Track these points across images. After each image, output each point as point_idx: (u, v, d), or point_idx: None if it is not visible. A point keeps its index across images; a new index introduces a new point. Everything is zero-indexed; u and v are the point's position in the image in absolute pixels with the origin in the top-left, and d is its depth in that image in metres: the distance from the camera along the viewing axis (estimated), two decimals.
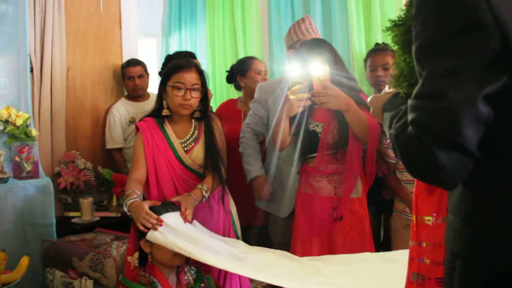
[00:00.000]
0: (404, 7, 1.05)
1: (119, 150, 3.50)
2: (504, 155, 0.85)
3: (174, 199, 2.01)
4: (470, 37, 0.78)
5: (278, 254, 1.99)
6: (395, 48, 1.08)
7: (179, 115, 2.17)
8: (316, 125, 2.21)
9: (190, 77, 2.11)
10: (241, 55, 3.73)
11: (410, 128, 0.88)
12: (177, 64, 2.18)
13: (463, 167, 0.84)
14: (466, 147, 0.81)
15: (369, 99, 1.32)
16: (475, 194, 0.89)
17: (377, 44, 2.75)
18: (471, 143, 0.81)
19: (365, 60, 2.73)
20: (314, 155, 2.22)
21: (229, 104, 3.04)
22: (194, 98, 2.11)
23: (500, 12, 0.76)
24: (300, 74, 2.00)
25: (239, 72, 2.99)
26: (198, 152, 2.18)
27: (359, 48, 2.99)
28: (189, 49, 4.02)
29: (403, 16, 1.04)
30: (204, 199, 2.09)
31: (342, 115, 2.13)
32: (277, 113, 2.17)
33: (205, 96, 2.19)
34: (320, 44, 2.23)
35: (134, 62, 3.49)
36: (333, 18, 3.19)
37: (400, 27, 1.04)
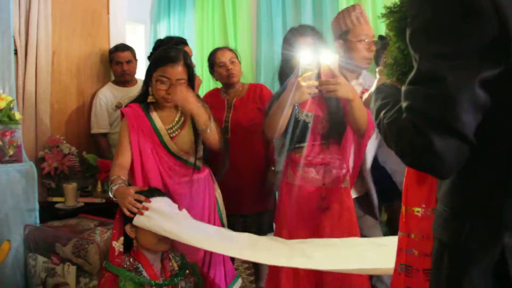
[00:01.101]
0: None
1: (104, 135, 3.45)
2: (496, 145, 0.84)
3: None
4: (468, 22, 0.78)
5: (264, 237, 2.02)
6: (390, 35, 1.07)
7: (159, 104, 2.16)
8: (306, 114, 2.18)
9: (175, 72, 2.07)
10: (231, 44, 3.71)
11: (404, 115, 0.87)
12: (164, 56, 2.13)
13: (460, 154, 0.83)
14: (464, 133, 0.80)
15: (363, 100, 1.31)
16: (465, 184, 0.89)
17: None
18: (469, 129, 0.80)
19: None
20: (303, 144, 2.19)
21: (214, 93, 3.01)
22: (178, 94, 2.07)
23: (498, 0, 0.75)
24: (312, 61, 1.96)
25: (209, 66, 2.98)
26: (184, 138, 2.17)
27: None
28: None
29: (398, 2, 1.04)
30: (206, 128, 2.07)
31: (333, 105, 2.14)
32: (279, 99, 2.11)
33: (192, 86, 2.17)
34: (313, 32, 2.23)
35: (123, 47, 3.44)
36: (324, 12, 3.19)
37: (395, 14, 1.03)
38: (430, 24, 0.83)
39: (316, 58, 1.97)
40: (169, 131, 2.16)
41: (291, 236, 2.12)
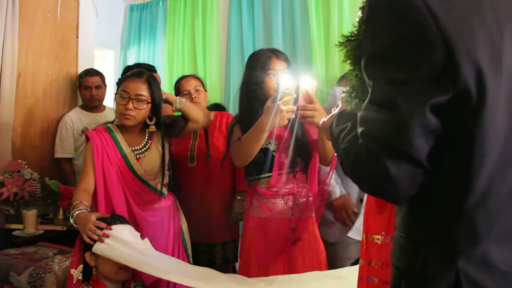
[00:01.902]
0: (357, 24, 1.07)
1: (69, 160, 3.37)
2: (447, 171, 0.86)
3: None
4: (418, 50, 0.80)
5: (225, 275, 1.96)
6: (347, 63, 1.09)
7: (123, 125, 2.12)
8: (269, 142, 2.11)
9: (136, 87, 2.05)
10: (200, 72, 3.73)
11: (360, 140, 0.88)
12: (126, 73, 2.14)
13: (414, 179, 0.84)
14: (417, 158, 0.81)
15: (320, 124, 1.33)
16: (420, 210, 0.90)
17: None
18: (422, 154, 0.82)
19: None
20: (268, 174, 2.12)
21: None
22: (137, 110, 2.05)
23: (446, 28, 0.78)
24: (291, 85, 1.92)
25: (175, 94, 2.98)
26: (150, 159, 2.14)
27: (319, 62, 3.07)
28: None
29: (355, 32, 1.06)
30: (177, 103, 2.22)
31: (298, 133, 2.10)
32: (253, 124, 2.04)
33: (157, 109, 2.13)
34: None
35: (92, 72, 3.40)
36: (296, 41, 3.26)
37: (352, 42, 1.06)
38: (383, 51, 0.85)
39: (295, 82, 1.94)
40: (135, 153, 2.12)
41: (261, 270, 2.05)
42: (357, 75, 1.05)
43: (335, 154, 1.04)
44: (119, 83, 2.13)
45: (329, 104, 2.22)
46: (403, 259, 0.91)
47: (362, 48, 0.92)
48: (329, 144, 2.02)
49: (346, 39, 1.07)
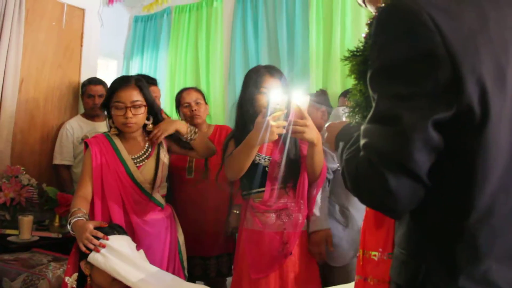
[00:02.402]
0: (363, 39, 1.08)
1: (67, 168, 3.37)
2: (448, 188, 0.86)
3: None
4: (423, 66, 0.81)
5: None
6: (352, 77, 1.10)
7: (125, 133, 2.14)
8: (262, 158, 2.14)
9: (129, 95, 2.07)
10: (202, 84, 3.75)
11: (362, 153, 0.88)
12: (115, 83, 2.15)
13: (413, 194, 0.84)
14: (417, 173, 0.82)
15: (326, 126, 1.33)
16: (421, 227, 0.90)
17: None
18: (422, 169, 0.82)
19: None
20: (261, 189, 2.14)
21: None
22: (136, 116, 2.08)
23: (452, 45, 0.80)
24: (282, 101, 1.92)
25: (175, 106, 3.00)
26: (149, 167, 2.14)
27: (316, 78, 3.10)
28: (148, 74, 4.01)
29: (361, 47, 1.08)
30: (188, 135, 2.21)
31: (291, 149, 2.13)
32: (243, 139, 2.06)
33: (152, 109, 2.16)
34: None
35: (96, 81, 3.42)
36: (296, 52, 3.29)
37: (358, 57, 1.06)
38: (389, 65, 0.86)
39: (286, 98, 1.95)
40: (135, 161, 2.13)
41: (252, 283, 2.06)
42: (361, 90, 1.06)
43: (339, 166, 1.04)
44: (108, 95, 2.13)
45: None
46: (403, 276, 0.91)
47: (367, 63, 0.92)
48: (317, 160, 2.06)
49: (351, 53, 1.08)
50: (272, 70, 2.21)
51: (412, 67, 0.82)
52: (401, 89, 0.83)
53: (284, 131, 1.95)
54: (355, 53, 1.07)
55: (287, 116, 1.98)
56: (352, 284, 1.83)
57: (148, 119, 2.16)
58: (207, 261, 2.69)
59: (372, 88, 0.90)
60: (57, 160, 3.37)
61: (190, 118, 2.86)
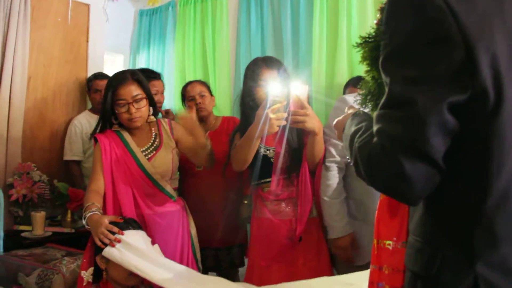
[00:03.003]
0: (374, 25, 1.07)
1: (78, 163, 3.38)
2: (465, 173, 0.85)
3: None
4: (437, 49, 0.80)
5: (235, 284, 1.96)
6: (364, 64, 1.09)
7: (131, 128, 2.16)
8: (267, 149, 2.18)
9: (129, 90, 2.09)
10: (210, 76, 3.75)
11: (375, 139, 0.87)
12: (112, 81, 2.15)
13: (429, 179, 0.83)
14: (433, 157, 0.81)
15: (334, 123, 1.32)
16: (436, 214, 0.90)
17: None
18: (438, 153, 0.81)
19: None
20: (268, 179, 2.18)
21: None
22: (139, 110, 2.10)
23: (466, 27, 0.79)
24: (281, 92, 1.94)
25: (181, 99, 3.01)
26: (161, 159, 2.16)
27: (319, 68, 3.08)
28: (156, 68, 4.01)
29: (373, 33, 1.06)
30: (207, 148, 2.16)
31: (294, 139, 2.16)
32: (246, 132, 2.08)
33: (151, 100, 2.19)
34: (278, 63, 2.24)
35: (102, 76, 3.42)
36: (301, 43, 3.27)
37: (370, 44, 1.05)
38: (401, 49, 0.85)
39: (285, 89, 1.96)
40: (144, 153, 2.15)
41: (263, 272, 2.09)
42: (374, 77, 1.05)
43: (349, 155, 1.02)
44: (107, 92, 2.13)
45: (336, 113, 2.19)
46: (419, 263, 0.90)
47: (380, 48, 0.91)
48: (317, 149, 2.08)
49: (364, 40, 1.07)
50: (269, 62, 2.23)
51: (426, 50, 0.81)
52: (415, 73, 0.82)
53: (284, 123, 1.96)
54: (367, 39, 1.06)
55: (287, 107, 1.98)
56: (367, 272, 1.83)
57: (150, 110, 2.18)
58: (218, 252, 2.71)
59: (384, 72, 0.88)
60: (67, 156, 3.38)
61: (196, 111, 2.86)
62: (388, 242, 1.18)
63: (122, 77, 2.13)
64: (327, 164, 2.13)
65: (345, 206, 2.15)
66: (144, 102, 2.12)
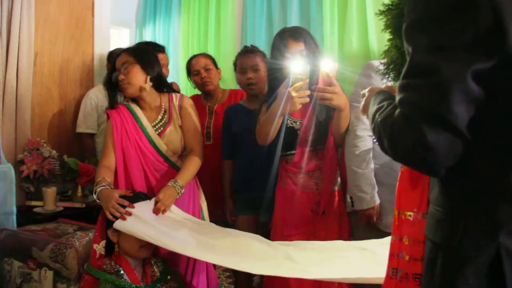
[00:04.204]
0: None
1: (91, 136, 3.36)
2: (490, 143, 0.84)
3: (161, 195, 1.95)
4: (464, 15, 0.78)
5: (249, 237, 1.97)
6: (387, 32, 1.06)
7: (131, 97, 2.19)
8: (294, 121, 2.18)
9: (120, 59, 2.14)
10: (213, 50, 3.70)
11: (398, 110, 0.86)
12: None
13: (453, 148, 0.82)
14: (456, 125, 0.79)
15: (366, 90, 1.29)
16: (459, 184, 0.88)
17: (245, 46, 2.72)
18: (462, 122, 0.79)
19: (235, 64, 2.68)
20: (293, 152, 2.18)
21: (194, 100, 2.99)
22: (128, 76, 2.10)
23: None
24: (303, 69, 1.91)
25: (187, 74, 2.97)
26: (171, 135, 2.16)
27: (331, 46, 3.02)
28: (162, 42, 3.97)
29: (396, 0, 1.04)
30: (179, 196, 2.03)
31: (322, 113, 2.13)
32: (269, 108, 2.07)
33: (147, 66, 2.16)
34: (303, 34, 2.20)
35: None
36: (311, 18, 3.20)
37: (393, 11, 1.03)
38: (424, 17, 0.83)
39: (307, 66, 1.93)
40: (155, 127, 2.16)
41: (285, 239, 2.08)
42: (397, 46, 1.03)
43: (372, 131, 1.01)
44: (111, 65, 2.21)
45: (361, 81, 2.13)
46: (439, 233, 0.90)
47: (403, 16, 0.89)
48: (343, 124, 2.07)
49: (386, 8, 1.05)
50: (295, 34, 2.18)
51: (451, 16, 0.79)
52: (439, 40, 0.80)
53: (307, 100, 1.95)
54: (390, 7, 1.04)
55: (311, 84, 1.97)
56: (381, 239, 1.84)
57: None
58: (228, 226, 2.72)
59: (407, 40, 0.86)
60: (81, 129, 3.36)
61: (201, 86, 2.84)
62: (409, 213, 1.17)
63: (120, 50, 2.21)
64: (358, 133, 2.10)
65: (373, 177, 2.11)
66: (133, 69, 2.11)
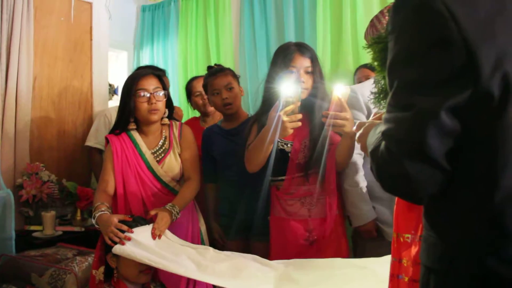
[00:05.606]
0: (384, 27, 1.08)
1: (100, 152, 3.34)
2: (472, 170, 0.86)
3: (153, 212, 1.94)
4: (438, 52, 0.82)
5: (248, 258, 1.93)
6: (375, 65, 1.10)
7: (148, 123, 2.16)
8: (284, 143, 2.07)
9: (150, 82, 2.11)
10: None
11: (382, 142, 0.90)
12: (133, 74, 2.20)
13: (431, 179, 0.85)
14: (433, 157, 0.83)
15: (357, 136, 1.28)
16: (447, 209, 0.90)
17: (210, 67, 2.64)
18: (437, 154, 0.83)
19: (204, 86, 2.61)
20: (283, 178, 2.08)
21: (192, 122, 2.99)
22: (159, 102, 2.11)
23: (466, 31, 0.79)
24: (294, 92, 1.83)
25: (186, 95, 2.98)
26: (170, 162, 2.16)
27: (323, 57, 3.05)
28: (161, 64, 4.01)
29: (383, 34, 1.07)
30: (173, 220, 2.00)
31: (315, 133, 2.04)
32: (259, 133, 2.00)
33: (169, 100, 2.21)
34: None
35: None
36: (306, 33, 3.25)
37: (379, 45, 1.07)
38: (404, 53, 0.87)
39: (299, 89, 1.87)
40: (154, 155, 2.15)
41: None
42: (384, 77, 1.05)
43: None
44: (128, 86, 2.13)
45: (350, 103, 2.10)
46: (431, 258, 0.92)
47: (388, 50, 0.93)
48: (351, 152, 2.02)
49: (373, 41, 1.08)
50: (302, 48, 2.10)
51: (427, 53, 0.83)
52: (416, 76, 0.84)
53: (299, 124, 1.86)
54: (377, 40, 1.07)
55: (302, 108, 1.89)
56: (379, 259, 1.83)
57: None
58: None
59: (389, 76, 0.91)
60: (90, 142, 3.34)
61: (203, 107, 2.85)
62: (406, 235, 1.22)
63: (144, 71, 2.18)
64: None
65: (366, 193, 2.10)
66: (163, 97, 2.13)
